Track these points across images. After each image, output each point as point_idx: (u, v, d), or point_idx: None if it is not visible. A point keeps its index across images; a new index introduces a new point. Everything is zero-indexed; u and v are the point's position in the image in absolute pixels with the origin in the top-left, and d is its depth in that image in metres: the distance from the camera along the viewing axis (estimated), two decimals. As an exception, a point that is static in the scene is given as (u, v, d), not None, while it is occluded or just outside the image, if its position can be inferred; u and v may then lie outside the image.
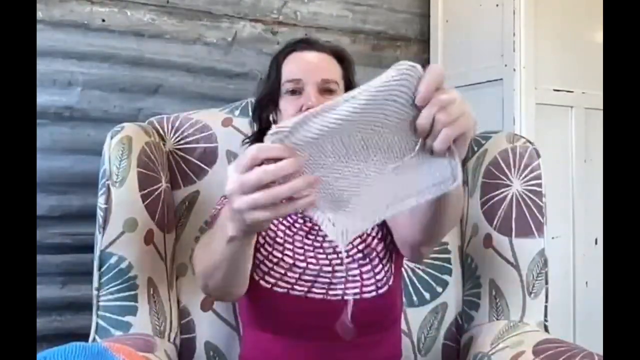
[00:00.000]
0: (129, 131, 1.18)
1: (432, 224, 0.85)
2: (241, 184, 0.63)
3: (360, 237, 1.08)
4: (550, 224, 1.28)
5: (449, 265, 1.33)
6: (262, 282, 1.02)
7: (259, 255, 1.04)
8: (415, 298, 1.31)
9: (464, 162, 1.37)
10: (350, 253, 1.06)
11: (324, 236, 1.07)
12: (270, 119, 1.12)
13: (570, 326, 1.73)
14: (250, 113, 1.25)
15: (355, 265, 1.04)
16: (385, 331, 1.08)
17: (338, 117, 0.61)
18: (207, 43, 1.72)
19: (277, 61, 1.12)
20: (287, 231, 1.07)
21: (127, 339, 1.05)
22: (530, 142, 1.29)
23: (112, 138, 1.17)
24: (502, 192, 1.26)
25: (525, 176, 1.25)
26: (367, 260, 1.05)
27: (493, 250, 1.26)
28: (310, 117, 0.61)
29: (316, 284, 1.02)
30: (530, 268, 1.23)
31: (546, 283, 1.24)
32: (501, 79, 1.68)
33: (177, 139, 1.30)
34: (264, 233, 1.05)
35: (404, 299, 1.27)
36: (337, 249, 1.06)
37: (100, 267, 1.14)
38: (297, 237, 1.07)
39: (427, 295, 1.31)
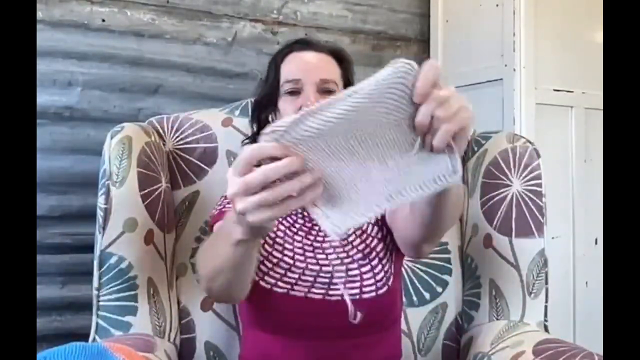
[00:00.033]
0: (129, 131, 1.18)
1: (433, 221, 0.85)
2: (245, 185, 0.63)
3: (359, 237, 1.08)
4: (550, 224, 1.28)
5: (449, 265, 1.33)
6: (261, 282, 1.02)
7: (258, 255, 1.04)
8: (415, 298, 1.31)
9: (464, 161, 1.37)
10: (350, 253, 1.06)
11: (324, 236, 1.07)
12: (270, 119, 1.11)
13: (570, 326, 1.73)
14: (250, 114, 1.25)
15: (355, 265, 1.04)
16: (385, 331, 1.08)
17: (334, 116, 0.61)
18: (207, 43, 1.72)
19: (276, 62, 1.12)
20: (287, 231, 1.07)
21: (127, 339, 1.05)
22: (530, 142, 1.29)
23: (112, 138, 1.17)
24: (502, 192, 1.26)
25: (525, 176, 1.25)
26: (367, 260, 1.05)
27: (493, 250, 1.26)
28: (307, 115, 0.61)
29: (316, 284, 1.02)
30: (530, 268, 1.23)
31: (546, 283, 1.24)
32: (501, 79, 1.68)
33: (177, 139, 1.30)
34: (264, 233, 1.05)
35: (404, 299, 1.27)
36: (337, 249, 1.06)
37: (100, 267, 1.14)
38: (297, 238, 1.07)
39: (427, 295, 1.31)
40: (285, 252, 1.05)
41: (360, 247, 1.06)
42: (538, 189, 1.24)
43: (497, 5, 1.71)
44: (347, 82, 1.13)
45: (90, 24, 1.59)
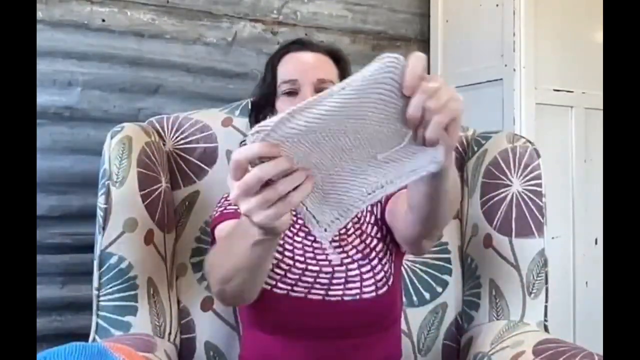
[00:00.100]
0: (129, 131, 1.18)
1: (430, 216, 0.85)
2: (244, 186, 0.63)
3: (359, 237, 1.08)
4: (550, 224, 1.28)
5: (449, 265, 1.33)
6: (262, 282, 1.02)
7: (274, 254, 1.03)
8: (415, 298, 1.31)
9: (464, 161, 1.37)
10: (350, 253, 1.06)
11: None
12: None
13: (570, 326, 1.73)
14: (248, 114, 1.25)
15: (354, 265, 1.04)
16: (385, 331, 1.08)
17: (321, 113, 0.61)
18: (207, 43, 1.72)
19: (273, 62, 1.12)
20: (287, 232, 1.07)
21: (127, 339, 1.05)
22: (530, 142, 1.29)
23: (112, 138, 1.17)
24: (502, 192, 1.26)
25: (525, 176, 1.25)
26: (367, 260, 1.05)
27: (493, 250, 1.26)
28: (294, 114, 0.61)
29: (315, 285, 1.02)
30: (530, 268, 1.23)
31: (546, 283, 1.24)
32: (501, 79, 1.68)
33: (177, 139, 1.30)
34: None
35: (404, 299, 1.27)
36: (337, 249, 1.06)
37: (100, 267, 1.14)
38: (297, 238, 1.07)
39: (427, 295, 1.31)
40: (286, 252, 1.05)
41: (360, 247, 1.06)
42: (538, 189, 1.24)
43: (497, 5, 1.71)
44: None
45: (90, 24, 1.59)
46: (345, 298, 1.01)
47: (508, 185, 1.25)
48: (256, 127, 0.61)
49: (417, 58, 0.62)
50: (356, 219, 1.11)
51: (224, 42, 1.74)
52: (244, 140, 1.23)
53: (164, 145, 1.28)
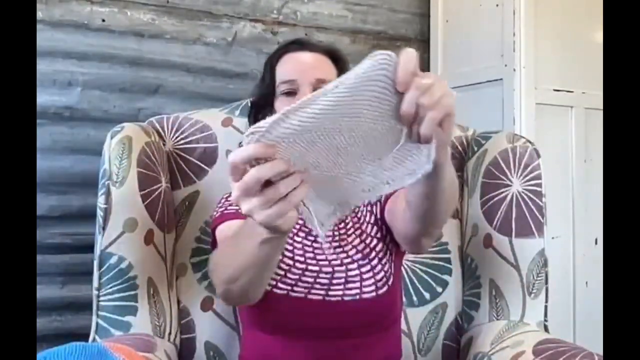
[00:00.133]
0: (129, 131, 1.18)
1: (428, 213, 0.85)
2: (244, 187, 0.63)
3: (359, 237, 1.08)
4: (550, 224, 1.28)
5: (449, 265, 1.33)
6: (262, 282, 1.02)
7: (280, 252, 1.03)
8: (415, 298, 1.31)
9: (464, 161, 1.37)
10: (350, 253, 1.06)
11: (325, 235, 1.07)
12: None
13: (570, 326, 1.73)
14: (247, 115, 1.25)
15: (354, 265, 1.04)
16: (385, 331, 1.08)
17: (315, 112, 0.61)
18: (207, 43, 1.72)
19: (271, 63, 1.12)
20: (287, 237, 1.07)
21: (127, 339, 1.05)
22: (530, 142, 1.29)
23: (112, 138, 1.17)
24: (502, 192, 1.26)
25: (525, 176, 1.25)
26: (367, 260, 1.05)
27: (493, 250, 1.26)
28: (288, 114, 0.61)
29: (315, 285, 1.02)
30: (530, 268, 1.23)
31: (546, 283, 1.24)
32: (501, 79, 1.68)
33: (177, 139, 1.30)
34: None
35: (404, 299, 1.27)
36: (337, 249, 1.06)
37: (100, 267, 1.14)
38: (297, 239, 1.07)
39: (427, 295, 1.31)
40: (286, 252, 1.05)
41: (360, 247, 1.06)
42: (538, 189, 1.24)
43: (497, 5, 1.71)
44: None
45: (90, 24, 1.58)
46: (345, 298, 1.01)
47: (508, 185, 1.25)
48: (251, 129, 0.62)
49: (408, 54, 0.62)
50: (356, 219, 1.11)
51: (224, 42, 1.74)
52: (241, 143, 1.23)
53: (164, 145, 1.28)
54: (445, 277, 1.33)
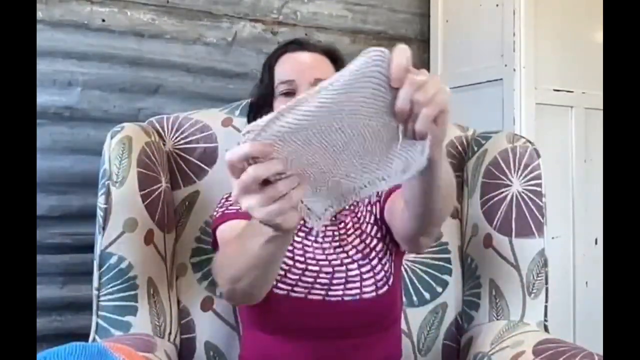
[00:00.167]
0: (129, 131, 1.18)
1: (425, 211, 0.85)
2: (242, 185, 0.63)
3: (359, 237, 1.08)
4: (550, 224, 1.28)
5: (449, 265, 1.33)
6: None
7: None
8: (415, 298, 1.31)
9: (464, 161, 1.37)
10: (350, 253, 1.06)
11: (324, 236, 1.07)
12: None
13: (570, 326, 1.73)
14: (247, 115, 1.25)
15: (354, 265, 1.04)
16: (385, 331, 1.08)
17: (310, 110, 0.61)
18: (207, 43, 1.72)
19: (270, 63, 1.12)
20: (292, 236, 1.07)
21: (127, 339, 1.05)
22: (530, 142, 1.29)
23: (112, 138, 1.17)
24: (502, 192, 1.26)
25: (525, 176, 1.25)
26: (367, 260, 1.05)
27: (493, 250, 1.26)
28: (283, 112, 0.61)
29: (316, 285, 1.02)
30: (530, 268, 1.23)
31: (546, 283, 1.24)
32: (501, 79, 1.68)
33: (177, 139, 1.30)
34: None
35: (404, 299, 1.27)
36: (337, 249, 1.06)
37: (100, 267, 1.14)
38: (296, 239, 1.07)
39: (427, 295, 1.31)
40: (286, 253, 1.05)
41: (360, 247, 1.06)
42: (538, 189, 1.24)
43: (497, 5, 1.71)
44: None
45: (90, 24, 1.58)
46: (346, 298, 1.01)
47: (508, 185, 1.25)
48: (247, 127, 0.62)
49: (400, 50, 0.62)
50: (356, 219, 1.11)
51: (224, 42, 1.74)
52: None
53: (164, 145, 1.28)
54: (445, 277, 1.33)
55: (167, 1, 1.67)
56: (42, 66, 1.52)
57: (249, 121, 1.17)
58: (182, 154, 1.29)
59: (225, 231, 1.02)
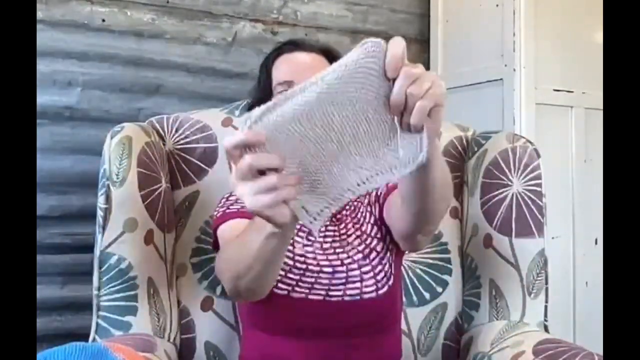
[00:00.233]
0: (129, 131, 1.18)
1: (422, 208, 0.85)
2: (238, 172, 0.64)
3: (359, 237, 1.08)
4: (550, 224, 1.28)
5: (449, 265, 1.33)
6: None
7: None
8: (415, 298, 1.31)
9: (464, 161, 1.37)
10: (350, 254, 1.06)
11: (324, 237, 1.07)
12: None
13: (570, 326, 1.73)
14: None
15: (355, 265, 1.04)
16: (385, 331, 1.08)
17: (306, 100, 0.62)
18: (207, 43, 1.72)
19: (267, 65, 1.12)
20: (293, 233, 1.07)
21: (127, 339, 1.05)
22: (530, 142, 1.29)
23: (112, 138, 1.17)
24: (502, 192, 1.26)
25: (525, 176, 1.25)
26: (367, 260, 1.05)
27: (493, 250, 1.26)
28: (280, 102, 0.62)
29: (316, 285, 1.02)
30: (530, 268, 1.23)
31: (546, 283, 1.24)
32: (501, 79, 1.68)
33: (177, 139, 1.30)
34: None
35: (404, 299, 1.27)
36: (337, 250, 1.06)
37: (100, 267, 1.14)
38: (297, 239, 1.07)
39: (427, 295, 1.31)
40: (287, 253, 1.04)
41: (360, 248, 1.06)
42: (538, 189, 1.24)
43: (497, 5, 1.70)
44: None
45: (90, 24, 1.59)
46: (346, 298, 1.01)
47: (508, 185, 1.25)
48: (244, 115, 0.63)
49: (396, 41, 0.62)
50: (356, 219, 1.11)
51: (224, 42, 1.74)
52: None
53: (164, 145, 1.28)
54: (445, 277, 1.33)
55: (167, 1, 1.67)
56: (42, 66, 1.53)
57: None
58: (182, 154, 1.29)
59: (226, 231, 1.02)
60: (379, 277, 1.04)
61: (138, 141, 1.17)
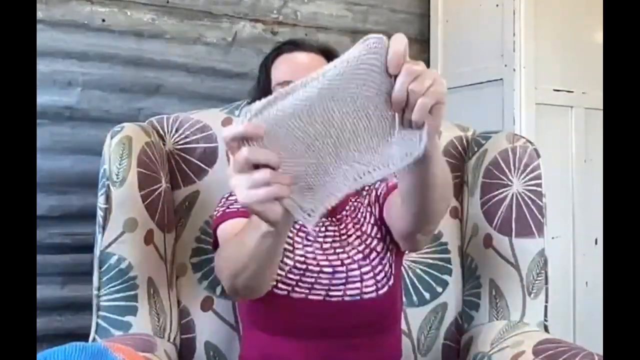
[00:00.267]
0: (129, 131, 1.18)
1: (422, 206, 0.85)
2: (235, 164, 0.64)
3: (359, 238, 1.08)
4: (550, 224, 1.28)
5: (449, 265, 1.33)
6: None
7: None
8: (415, 298, 1.31)
9: (464, 161, 1.37)
10: (350, 254, 1.06)
11: (325, 237, 1.07)
12: None
13: (570, 326, 1.73)
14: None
15: (355, 266, 1.04)
16: (385, 331, 1.08)
17: (307, 95, 0.62)
18: (207, 43, 1.72)
19: (266, 65, 1.12)
20: (288, 232, 1.07)
21: (127, 339, 1.05)
22: (530, 142, 1.29)
23: (112, 138, 1.17)
24: (502, 192, 1.26)
25: (525, 176, 1.25)
26: (367, 261, 1.05)
27: (493, 250, 1.26)
28: (280, 96, 0.62)
29: (316, 286, 1.02)
30: (530, 268, 1.23)
31: (546, 283, 1.24)
32: (501, 79, 1.68)
33: (177, 139, 1.30)
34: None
35: (404, 299, 1.27)
36: (338, 250, 1.06)
37: (100, 267, 1.14)
38: (297, 239, 1.07)
39: (427, 295, 1.31)
40: (286, 253, 1.05)
41: (360, 248, 1.06)
42: (538, 189, 1.24)
43: (497, 5, 1.70)
44: None
45: (90, 24, 1.58)
46: (346, 298, 1.01)
47: (508, 185, 1.25)
48: (245, 108, 0.63)
49: (398, 38, 0.63)
50: (356, 220, 1.11)
51: (224, 42, 1.74)
52: None
53: (164, 145, 1.28)
54: (445, 277, 1.33)
55: (167, 1, 1.67)
56: (42, 66, 1.53)
57: None
58: (182, 154, 1.29)
59: (225, 230, 1.02)
60: (379, 277, 1.04)
61: (138, 141, 1.17)
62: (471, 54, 1.80)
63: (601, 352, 0.88)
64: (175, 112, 1.37)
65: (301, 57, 1.10)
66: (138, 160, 1.15)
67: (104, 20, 1.60)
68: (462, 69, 1.82)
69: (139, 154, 1.16)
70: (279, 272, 1.02)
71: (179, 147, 1.29)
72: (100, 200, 1.14)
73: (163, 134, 1.30)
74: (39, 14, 1.53)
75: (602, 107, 1.58)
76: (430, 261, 1.33)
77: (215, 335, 1.25)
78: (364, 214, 1.11)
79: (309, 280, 1.02)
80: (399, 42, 0.62)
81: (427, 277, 1.32)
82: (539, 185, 1.25)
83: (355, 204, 1.13)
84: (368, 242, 1.07)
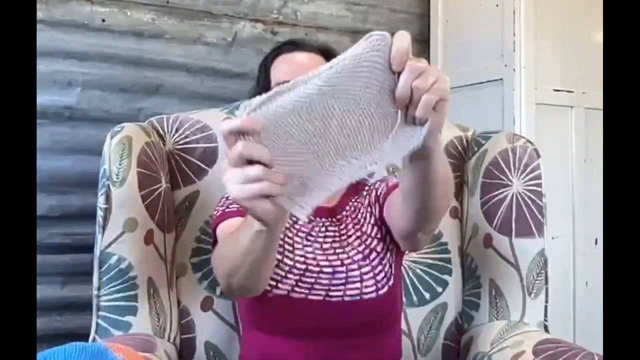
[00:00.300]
0: (129, 131, 1.18)
1: (423, 204, 0.85)
2: (229, 159, 0.64)
3: (359, 238, 1.08)
4: (550, 224, 1.28)
5: (449, 265, 1.33)
6: (262, 283, 1.02)
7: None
8: (415, 298, 1.31)
9: (464, 161, 1.37)
10: (350, 254, 1.06)
11: (324, 237, 1.07)
12: None
13: (570, 326, 1.74)
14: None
15: (355, 266, 1.04)
16: (385, 331, 1.08)
17: (309, 92, 0.61)
18: (207, 43, 1.72)
19: (266, 65, 1.12)
20: (288, 232, 1.07)
21: (127, 339, 1.05)
22: (530, 142, 1.29)
23: (112, 138, 1.17)
24: (502, 192, 1.26)
25: (525, 176, 1.25)
26: (367, 261, 1.05)
27: (493, 250, 1.26)
28: (282, 91, 0.61)
29: (316, 286, 1.02)
30: (530, 268, 1.23)
31: (546, 283, 1.24)
32: (501, 79, 1.68)
33: (177, 139, 1.30)
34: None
35: (404, 299, 1.27)
36: (337, 250, 1.06)
37: (100, 267, 1.14)
38: (297, 239, 1.07)
39: (427, 295, 1.31)
40: (286, 253, 1.05)
41: (360, 248, 1.06)
42: (538, 189, 1.24)
43: (497, 5, 1.71)
44: None
45: (90, 24, 1.59)
46: (346, 298, 1.01)
47: (508, 185, 1.25)
48: (245, 103, 0.63)
49: (401, 35, 0.63)
50: (356, 220, 1.11)
51: (224, 42, 1.74)
52: None
53: (164, 145, 1.28)
54: (445, 277, 1.33)
55: (167, 1, 1.67)
56: (42, 66, 1.53)
57: None
58: (182, 154, 1.29)
59: (224, 229, 1.02)
60: (379, 278, 1.04)
61: (138, 141, 1.17)
62: (471, 54, 1.80)
63: (601, 352, 0.88)
64: (175, 112, 1.37)
65: (301, 57, 1.10)
66: (138, 160, 1.15)
67: (104, 20, 1.60)
68: (462, 68, 1.82)
69: (139, 154, 1.16)
70: (279, 272, 1.02)
71: (179, 147, 1.29)
72: (100, 200, 1.14)
73: (163, 134, 1.30)
74: (39, 14, 1.53)
75: (602, 107, 1.58)
76: (430, 261, 1.33)
77: (215, 335, 1.25)
78: (364, 214, 1.11)
79: (308, 280, 1.02)
80: (403, 39, 0.62)
81: (427, 277, 1.32)
82: (539, 185, 1.25)
83: (355, 204, 1.13)
84: (368, 242, 1.07)
